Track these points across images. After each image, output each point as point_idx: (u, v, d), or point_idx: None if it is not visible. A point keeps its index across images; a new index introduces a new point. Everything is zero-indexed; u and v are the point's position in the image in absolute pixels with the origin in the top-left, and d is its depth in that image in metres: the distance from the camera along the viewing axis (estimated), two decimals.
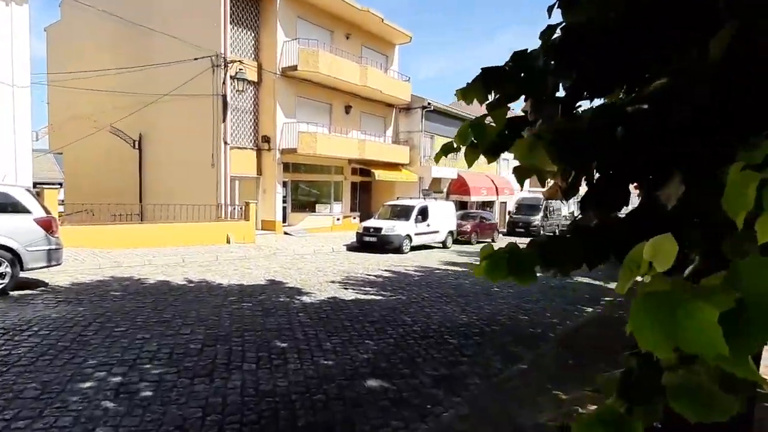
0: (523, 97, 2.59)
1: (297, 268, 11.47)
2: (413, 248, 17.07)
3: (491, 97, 2.66)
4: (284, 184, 19.76)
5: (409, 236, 16.42)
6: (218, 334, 5.78)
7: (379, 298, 8.47)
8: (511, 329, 6.87)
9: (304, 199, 21.47)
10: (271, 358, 5.05)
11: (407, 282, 10.30)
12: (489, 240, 23.32)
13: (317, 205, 21.79)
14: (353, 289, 9.09)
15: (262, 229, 18.93)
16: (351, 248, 16.51)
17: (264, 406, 3.91)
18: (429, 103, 24.68)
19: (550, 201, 33.06)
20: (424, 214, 17.42)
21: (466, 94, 2.73)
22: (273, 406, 3.92)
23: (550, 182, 2.71)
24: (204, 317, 6.52)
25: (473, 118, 2.60)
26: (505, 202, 34.34)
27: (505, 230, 30.76)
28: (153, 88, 17.74)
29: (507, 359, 5.45)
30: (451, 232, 19.24)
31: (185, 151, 17.97)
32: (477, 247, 20.91)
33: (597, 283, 11.93)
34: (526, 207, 30.82)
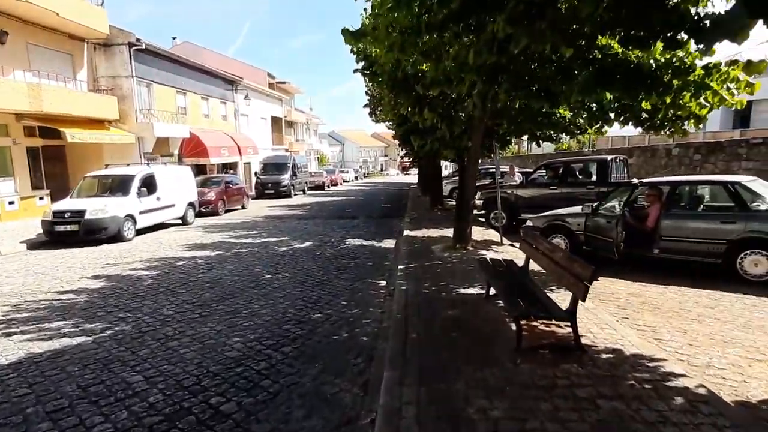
0: None
1: None
2: (141, 232, 12.77)
3: None
4: None
5: (131, 217, 12.03)
6: None
7: (80, 340, 4.90)
8: (310, 344, 4.70)
9: None
10: None
11: (133, 292, 6.78)
12: (239, 207, 20.43)
13: None
14: (27, 333, 5.13)
15: None
16: (36, 245, 11.03)
17: None
18: (139, 40, 19.01)
19: (297, 159, 31.95)
20: (150, 184, 13.11)
21: None
22: None
23: None
24: None
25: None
26: (249, 163, 31.47)
27: (253, 194, 28.16)
28: None
29: (336, 424, 3.26)
30: (191, 204, 15.47)
31: None
32: (227, 219, 17.88)
33: (369, 243, 10.98)
34: (272, 166, 28.83)
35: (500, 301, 5.11)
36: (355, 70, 9.48)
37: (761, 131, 22.65)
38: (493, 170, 18.71)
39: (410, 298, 5.63)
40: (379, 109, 12.09)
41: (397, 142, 21.84)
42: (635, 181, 7.86)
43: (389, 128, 17.06)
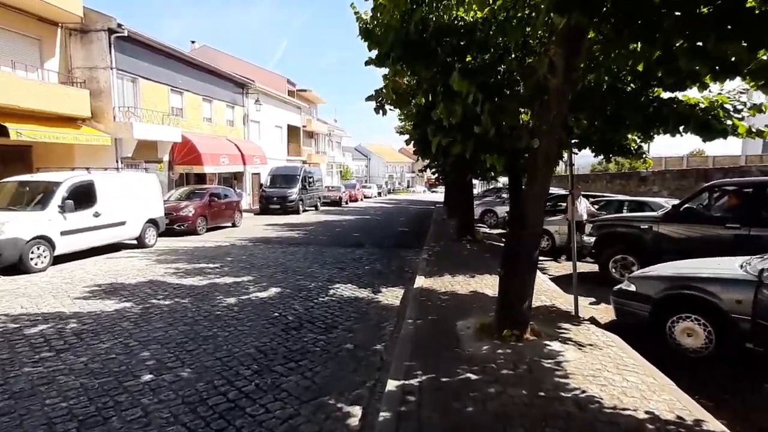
0: None
1: None
2: (67, 258, 9.52)
3: None
4: None
5: (45, 239, 8.79)
6: None
7: None
8: None
9: None
10: None
11: None
12: (229, 224, 17.20)
13: None
14: None
15: None
16: None
17: None
18: (120, 25, 16.24)
19: (309, 170, 28.76)
20: (85, 195, 9.92)
21: None
22: None
23: None
24: None
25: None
26: (259, 174, 28.45)
27: (258, 207, 25.07)
28: None
29: None
30: (153, 222, 12.21)
31: None
32: (203, 240, 13.61)
33: (363, 294, 7.32)
34: (281, 178, 25.66)
35: None
36: (367, 62, 5.98)
37: None
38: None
39: None
40: (387, 102, 8.48)
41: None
42: None
43: (402, 132, 13.36)
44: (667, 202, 10.42)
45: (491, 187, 32.49)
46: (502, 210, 18.31)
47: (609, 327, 5.40)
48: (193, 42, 35.97)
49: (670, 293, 4.79)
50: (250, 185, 27.98)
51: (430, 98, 6.21)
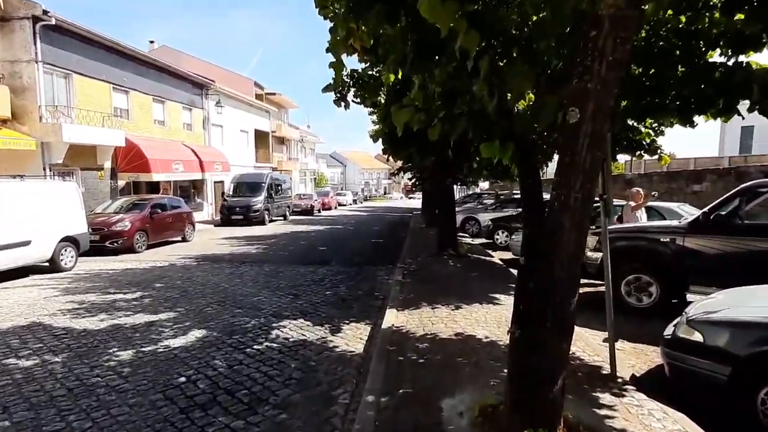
0: None
1: None
2: None
3: None
4: None
5: None
6: None
7: None
8: None
9: None
10: None
11: None
12: (178, 239, 15.10)
13: None
14: None
15: None
16: None
17: None
18: (46, 12, 14.05)
19: (277, 177, 26.66)
20: None
21: None
22: None
23: None
24: None
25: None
26: (222, 182, 26.23)
27: (218, 218, 22.90)
28: None
29: None
30: (72, 240, 10.08)
31: None
32: (143, 259, 11.40)
33: (316, 335, 5.49)
34: (245, 186, 23.52)
35: None
36: (328, 49, 4.20)
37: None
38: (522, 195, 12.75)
39: None
40: (345, 91, 6.74)
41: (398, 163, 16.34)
42: None
43: (374, 135, 11.50)
44: (680, 207, 8.96)
45: (471, 192, 30.99)
46: (486, 217, 16.69)
47: (647, 382, 3.76)
48: (152, 42, 33.56)
49: (765, 349, 3.15)
50: (212, 194, 25.79)
51: (400, 74, 4.52)
